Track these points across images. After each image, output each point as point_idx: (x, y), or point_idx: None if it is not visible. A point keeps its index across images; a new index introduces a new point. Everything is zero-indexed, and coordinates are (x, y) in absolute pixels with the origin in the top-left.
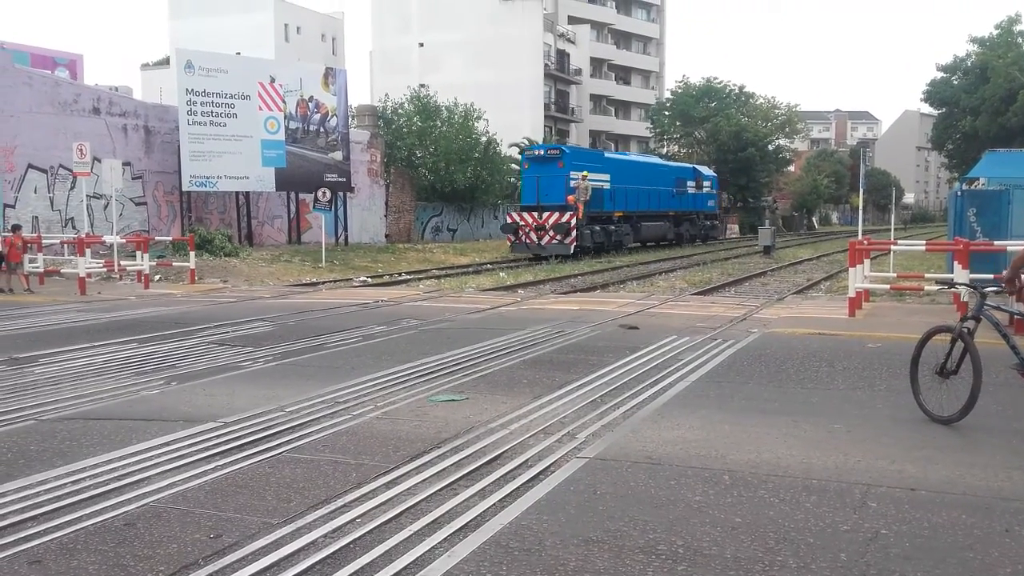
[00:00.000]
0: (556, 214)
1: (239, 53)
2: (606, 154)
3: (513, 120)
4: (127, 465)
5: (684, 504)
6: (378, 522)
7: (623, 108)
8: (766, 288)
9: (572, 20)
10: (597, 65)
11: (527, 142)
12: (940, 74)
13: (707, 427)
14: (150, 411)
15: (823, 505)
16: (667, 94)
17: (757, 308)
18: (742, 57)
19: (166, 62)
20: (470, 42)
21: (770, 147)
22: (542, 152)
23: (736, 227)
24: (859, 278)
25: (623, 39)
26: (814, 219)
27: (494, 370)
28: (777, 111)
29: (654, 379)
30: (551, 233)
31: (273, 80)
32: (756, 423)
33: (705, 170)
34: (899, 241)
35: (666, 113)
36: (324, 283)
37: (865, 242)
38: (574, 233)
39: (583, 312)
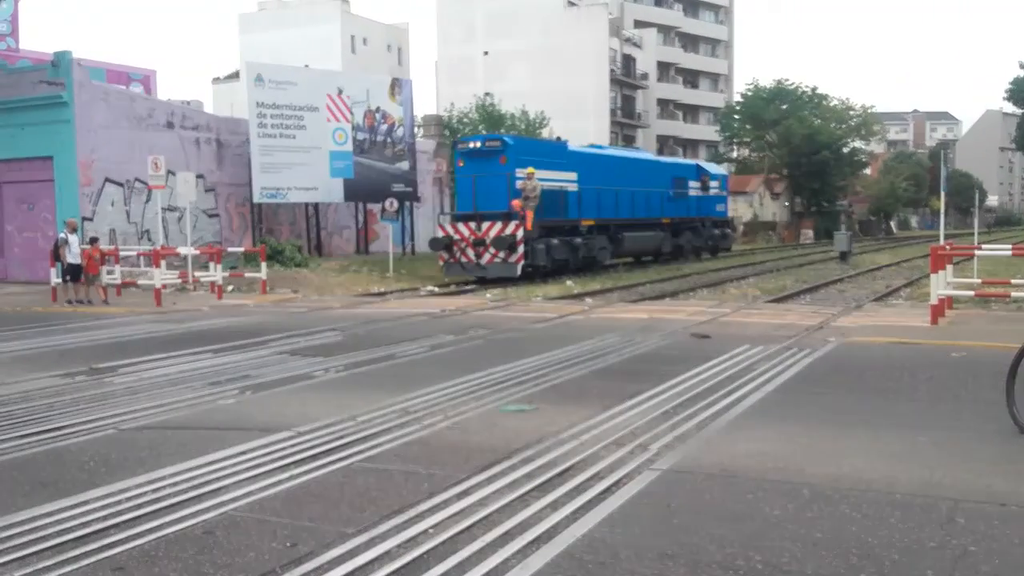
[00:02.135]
0: (498, 224)
1: (307, 65)
2: (571, 147)
3: (578, 127)
4: (205, 474)
5: (762, 518)
6: (451, 533)
7: (691, 112)
8: (843, 295)
9: (638, 24)
10: (664, 69)
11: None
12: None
13: (784, 439)
14: (226, 420)
15: (908, 521)
16: (736, 97)
17: (834, 316)
18: (814, 57)
19: (236, 76)
20: (535, 49)
21: (845, 150)
22: (478, 144)
23: (810, 232)
24: (941, 284)
25: (690, 42)
26: (892, 223)
27: (563, 380)
28: (852, 112)
29: (728, 389)
30: (492, 250)
31: (341, 92)
32: (836, 435)
33: (713, 167)
34: (983, 245)
35: (735, 116)
36: (392, 293)
37: (947, 247)
38: (521, 249)
39: (653, 321)
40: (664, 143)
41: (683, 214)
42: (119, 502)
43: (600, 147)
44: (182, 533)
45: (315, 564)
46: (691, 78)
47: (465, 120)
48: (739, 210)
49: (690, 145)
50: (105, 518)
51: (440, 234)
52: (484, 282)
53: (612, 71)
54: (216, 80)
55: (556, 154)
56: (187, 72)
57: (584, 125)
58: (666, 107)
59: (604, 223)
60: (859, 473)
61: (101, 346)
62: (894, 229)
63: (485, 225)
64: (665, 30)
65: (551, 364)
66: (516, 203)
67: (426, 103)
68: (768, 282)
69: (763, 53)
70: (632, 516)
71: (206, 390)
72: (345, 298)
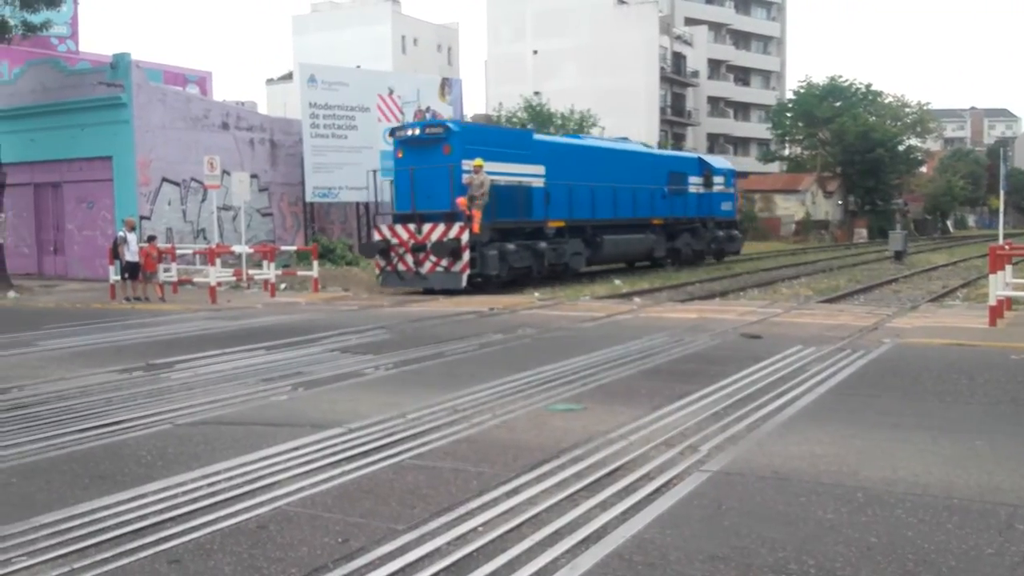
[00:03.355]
0: (440, 226)
1: (359, 66)
2: (538, 136)
3: (628, 125)
4: (258, 469)
5: (815, 522)
6: (500, 531)
7: (742, 110)
8: (898, 295)
9: (689, 22)
10: (715, 67)
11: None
12: None
13: (838, 442)
14: (279, 416)
15: (966, 526)
16: (789, 94)
17: (889, 317)
18: (869, 54)
19: (289, 77)
20: (584, 48)
21: (900, 147)
22: (416, 131)
23: (864, 231)
24: (1000, 285)
25: (742, 39)
26: (948, 222)
27: (612, 380)
28: (907, 109)
29: (779, 391)
30: (434, 257)
31: (391, 92)
32: (891, 438)
33: (718, 161)
34: None
35: (788, 114)
36: (441, 292)
37: (1007, 246)
38: (466, 256)
39: (702, 320)
40: (714, 141)
41: (680, 213)
42: (175, 496)
43: (577, 137)
44: (236, 527)
45: (366, 560)
46: (742, 75)
47: (514, 119)
48: (791, 208)
49: (741, 143)
50: (162, 511)
51: (376, 237)
52: (434, 292)
53: (662, 69)
54: (270, 81)
55: (517, 144)
56: (242, 73)
57: (633, 123)
58: (717, 105)
59: (578, 224)
60: (915, 477)
61: (157, 342)
62: (950, 228)
63: (426, 227)
64: (716, 27)
65: (599, 363)
66: (461, 201)
67: (475, 102)
68: (820, 282)
69: (816, 50)
70: (682, 517)
71: (259, 386)
72: (395, 296)
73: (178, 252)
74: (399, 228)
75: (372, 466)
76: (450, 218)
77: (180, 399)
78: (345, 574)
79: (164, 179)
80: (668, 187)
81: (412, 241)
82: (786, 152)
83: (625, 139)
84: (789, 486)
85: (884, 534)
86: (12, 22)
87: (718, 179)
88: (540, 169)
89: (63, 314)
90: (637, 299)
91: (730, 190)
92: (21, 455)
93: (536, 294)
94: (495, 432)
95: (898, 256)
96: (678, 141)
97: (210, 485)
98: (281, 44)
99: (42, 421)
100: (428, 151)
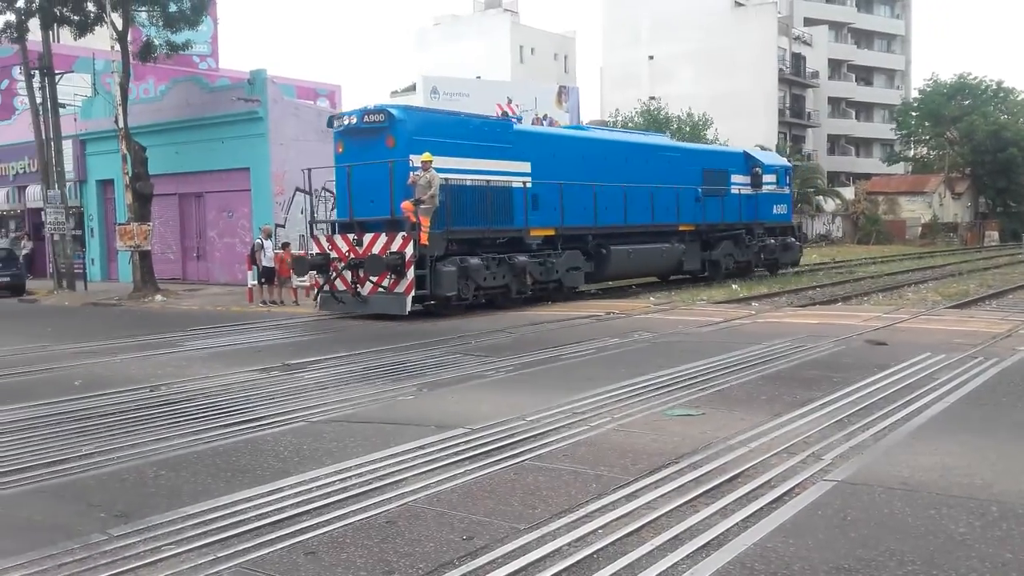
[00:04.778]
0: (383, 237)
1: (479, 77)
2: (519, 126)
3: (745, 128)
4: (387, 466)
5: (945, 535)
6: (620, 534)
7: (864, 110)
8: None
9: (808, 22)
10: (835, 66)
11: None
12: None
13: (969, 453)
14: (405, 416)
15: None
16: (914, 93)
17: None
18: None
19: (412, 88)
20: (701, 51)
21: None
22: (354, 120)
23: (995, 234)
24: None
25: (864, 38)
26: None
27: (730, 385)
28: None
29: (907, 399)
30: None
31: (510, 101)
32: None
33: (768, 156)
34: None
35: (913, 114)
36: (558, 295)
37: None
38: (411, 273)
39: (823, 326)
40: (835, 142)
41: (717, 218)
42: (310, 490)
43: (581, 128)
44: (367, 521)
45: (490, 557)
46: (865, 75)
47: (629, 125)
48: (916, 211)
49: (863, 144)
50: (298, 504)
51: (314, 250)
52: (384, 317)
53: (780, 70)
54: (394, 93)
55: (491, 136)
56: (367, 86)
57: (751, 125)
58: (838, 105)
59: (575, 233)
60: None
61: (292, 344)
62: None
63: (368, 238)
64: (837, 27)
65: (717, 369)
66: (407, 206)
67: (591, 109)
68: (949, 287)
69: (943, 47)
70: (805, 527)
71: (387, 386)
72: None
73: None
74: (338, 239)
75: (494, 466)
76: (393, 227)
77: (314, 397)
78: (469, 571)
79: (297, 189)
80: (702, 187)
81: (352, 255)
82: (911, 153)
83: (646, 131)
84: (918, 498)
85: (1020, 550)
86: (157, 42)
87: (769, 178)
88: (524, 166)
89: (205, 316)
90: (755, 304)
91: (784, 190)
92: (170, 448)
93: (651, 298)
94: (613, 436)
95: None
96: (797, 143)
97: (342, 480)
98: (404, 57)
99: (188, 417)
100: (369, 144)
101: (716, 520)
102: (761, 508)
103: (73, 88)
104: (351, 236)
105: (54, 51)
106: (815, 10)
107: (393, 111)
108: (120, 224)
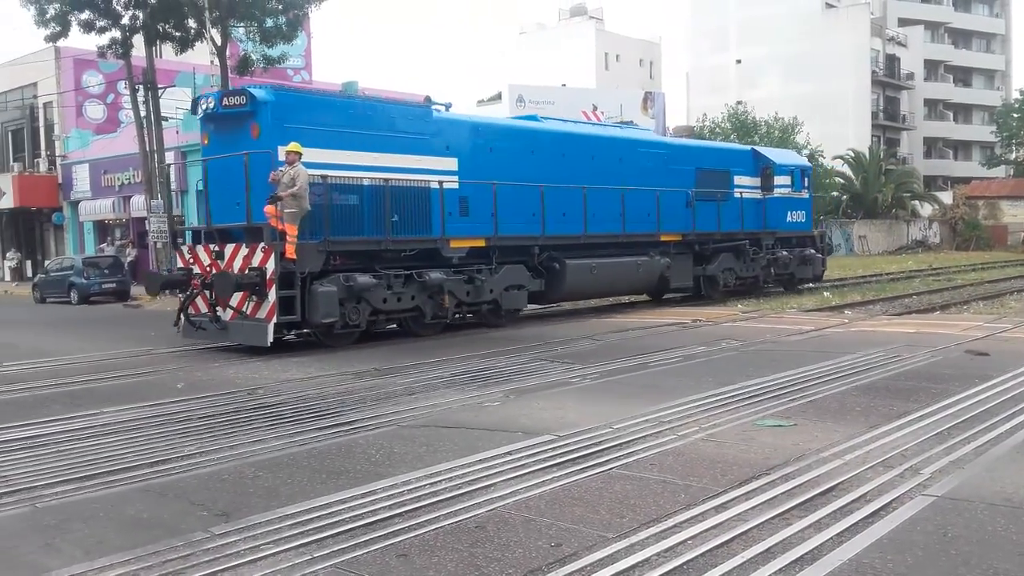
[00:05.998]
0: (244, 249)
1: (564, 84)
2: (443, 114)
3: (837, 131)
4: (476, 471)
5: None
6: (710, 546)
7: (963, 112)
8: None
9: (903, 22)
10: (932, 68)
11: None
12: None
13: None
14: (493, 422)
15: None
16: (1015, 94)
17: None
18: None
19: (498, 97)
20: (790, 55)
21: None
22: (211, 104)
23: None
24: None
25: (962, 38)
26: None
27: (823, 395)
28: None
29: (1011, 412)
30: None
31: (595, 108)
32: None
33: (781, 155)
34: None
35: (1014, 115)
36: (641, 301)
37: None
38: (273, 295)
39: (920, 335)
40: (932, 145)
41: (712, 227)
42: (401, 493)
43: (531, 118)
44: (457, 526)
45: (579, 565)
46: (962, 76)
47: (717, 130)
48: (1019, 216)
49: (962, 147)
50: (390, 507)
51: (179, 264)
52: (263, 350)
53: (874, 72)
54: (480, 102)
55: (397, 125)
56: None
57: (842, 128)
58: (934, 107)
59: (516, 244)
60: None
61: (383, 351)
62: None
63: (229, 251)
64: (933, 27)
65: (808, 378)
66: (270, 210)
67: (677, 114)
68: None
69: None
70: (904, 543)
71: (474, 392)
72: (598, 306)
73: None
74: (201, 251)
75: (581, 473)
76: (253, 236)
77: (404, 403)
78: None
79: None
80: (695, 190)
81: (213, 270)
82: (1012, 156)
83: (628, 124)
84: (1022, 515)
85: None
86: (254, 56)
87: (782, 179)
88: (448, 163)
89: None
90: (848, 312)
91: (802, 194)
92: (268, 450)
93: (739, 306)
94: (702, 445)
95: None
96: (891, 146)
97: (432, 484)
98: (491, 67)
99: (285, 420)
100: (233, 134)
101: (810, 534)
102: (857, 523)
103: (175, 102)
104: (213, 247)
105: (156, 66)
106: (910, 10)
107: (257, 93)
108: None
